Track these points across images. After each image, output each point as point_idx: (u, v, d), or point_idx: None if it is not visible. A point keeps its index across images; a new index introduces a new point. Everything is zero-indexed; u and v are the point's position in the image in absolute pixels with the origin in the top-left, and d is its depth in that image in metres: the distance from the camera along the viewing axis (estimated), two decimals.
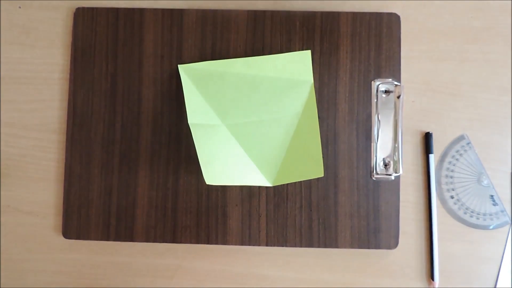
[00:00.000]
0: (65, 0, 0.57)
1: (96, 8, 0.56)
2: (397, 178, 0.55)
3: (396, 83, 0.55)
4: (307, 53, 0.53)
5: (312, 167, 0.52)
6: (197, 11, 0.56)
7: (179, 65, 0.55)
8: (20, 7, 0.58)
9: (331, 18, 0.56)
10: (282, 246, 0.54)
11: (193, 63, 0.54)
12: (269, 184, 0.53)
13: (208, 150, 0.52)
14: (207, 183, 0.50)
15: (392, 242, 0.54)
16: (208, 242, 0.54)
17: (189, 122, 0.52)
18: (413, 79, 0.56)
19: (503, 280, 0.54)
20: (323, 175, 0.51)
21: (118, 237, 0.55)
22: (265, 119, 0.54)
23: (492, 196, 0.55)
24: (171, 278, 0.55)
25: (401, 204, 0.55)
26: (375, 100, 0.55)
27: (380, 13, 0.56)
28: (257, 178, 0.53)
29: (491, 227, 0.55)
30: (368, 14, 0.56)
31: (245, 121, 0.54)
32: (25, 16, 0.57)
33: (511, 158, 0.56)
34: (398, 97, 0.54)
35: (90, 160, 0.55)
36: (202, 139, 0.52)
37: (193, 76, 0.54)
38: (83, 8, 0.56)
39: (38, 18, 0.57)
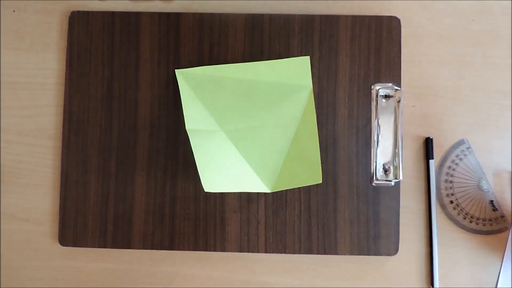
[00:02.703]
0: (60, 2, 0.56)
1: (92, 12, 0.55)
2: (397, 184, 0.54)
3: (396, 87, 0.54)
4: (306, 59, 0.52)
5: (310, 174, 0.51)
6: (194, 14, 0.55)
7: (176, 70, 0.54)
8: (14, 11, 0.57)
9: (330, 22, 0.55)
10: (281, 252, 0.54)
11: (191, 68, 0.54)
12: (267, 190, 0.52)
13: (206, 156, 0.51)
14: (205, 190, 0.50)
15: (392, 248, 0.54)
16: (206, 249, 0.54)
17: (186, 128, 0.51)
18: (414, 83, 0.56)
19: (503, 286, 0.54)
20: (321, 182, 0.51)
21: (115, 244, 0.54)
22: (264, 125, 0.53)
23: (492, 201, 0.55)
24: (168, 286, 0.55)
25: (401, 210, 0.54)
26: (375, 105, 0.55)
27: (380, 16, 0.55)
28: (256, 184, 0.53)
29: (491, 233, 0.55)
30: (368, 18, 0.55)
31: (243, 127, 0.53)
32: (19, 21, 0.56)
33: (511, 163, 0.55)
34: (398, 101, 0.54)
35: (87, 166, 0.54)
36: (200, 145, 0.51)
37: (190, 81, 0.53)
38: (78, 12, 0.55)
39: (32, 22, 0.56)
